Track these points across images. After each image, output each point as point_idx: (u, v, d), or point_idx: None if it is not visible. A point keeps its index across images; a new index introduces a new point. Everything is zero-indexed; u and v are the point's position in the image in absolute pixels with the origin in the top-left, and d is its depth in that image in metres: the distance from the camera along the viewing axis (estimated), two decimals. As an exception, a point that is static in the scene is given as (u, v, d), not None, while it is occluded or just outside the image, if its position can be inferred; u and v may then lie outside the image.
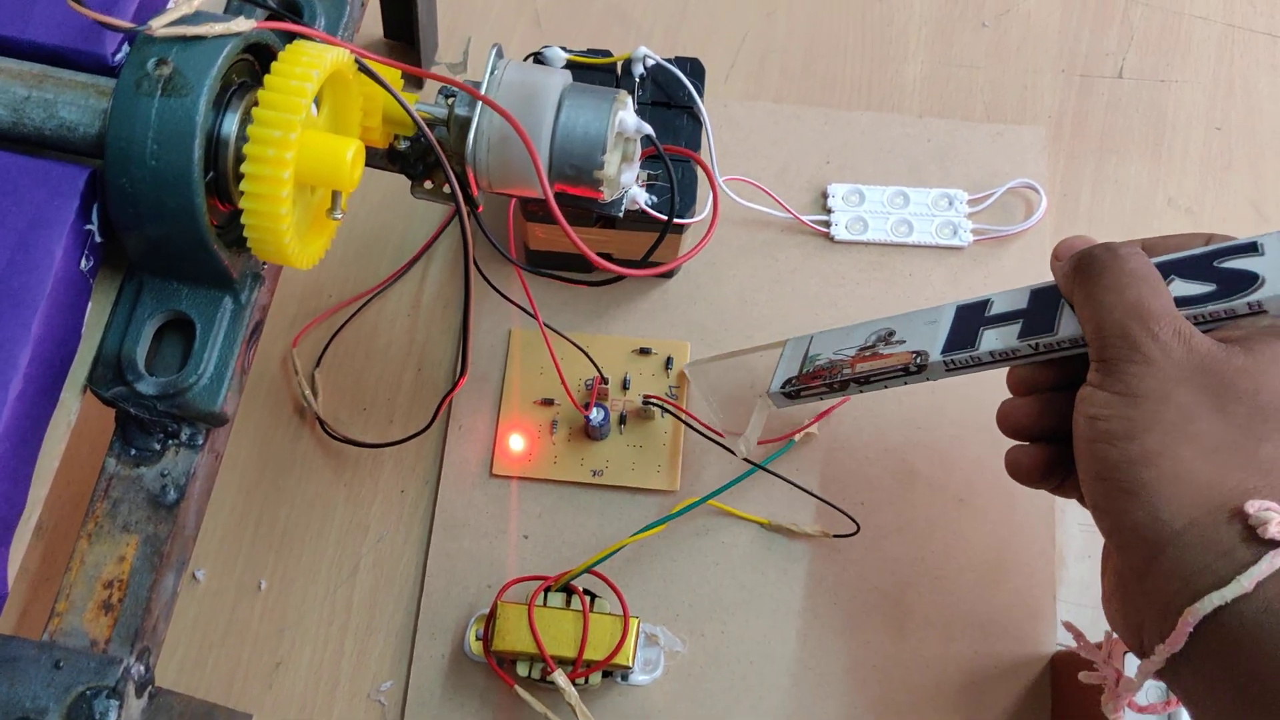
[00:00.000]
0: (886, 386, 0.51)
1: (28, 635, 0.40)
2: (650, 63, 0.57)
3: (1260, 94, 0.69)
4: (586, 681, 0.52)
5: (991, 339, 0.47)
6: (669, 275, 0.62)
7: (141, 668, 0.40)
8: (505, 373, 0.60)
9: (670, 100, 0.58)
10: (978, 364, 0.48)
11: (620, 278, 0.46)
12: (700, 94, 0.57)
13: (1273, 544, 0.37)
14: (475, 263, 0.57)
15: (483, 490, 0.59)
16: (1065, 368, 0.47)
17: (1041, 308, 0.47)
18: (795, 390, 0.53)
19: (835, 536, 0.57)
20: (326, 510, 0.58)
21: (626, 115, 0.44)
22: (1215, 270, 0.43)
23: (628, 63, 0.57)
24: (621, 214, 0.48)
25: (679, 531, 0.57)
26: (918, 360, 0.49)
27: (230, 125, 0.39)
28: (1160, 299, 0.42)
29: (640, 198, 0.51)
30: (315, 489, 0.59)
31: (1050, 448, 0.48)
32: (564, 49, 0.57)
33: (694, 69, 0.58)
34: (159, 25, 0.37)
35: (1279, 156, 0.67)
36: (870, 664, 0.56)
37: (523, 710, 0.54)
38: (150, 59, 0.37)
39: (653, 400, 0.58)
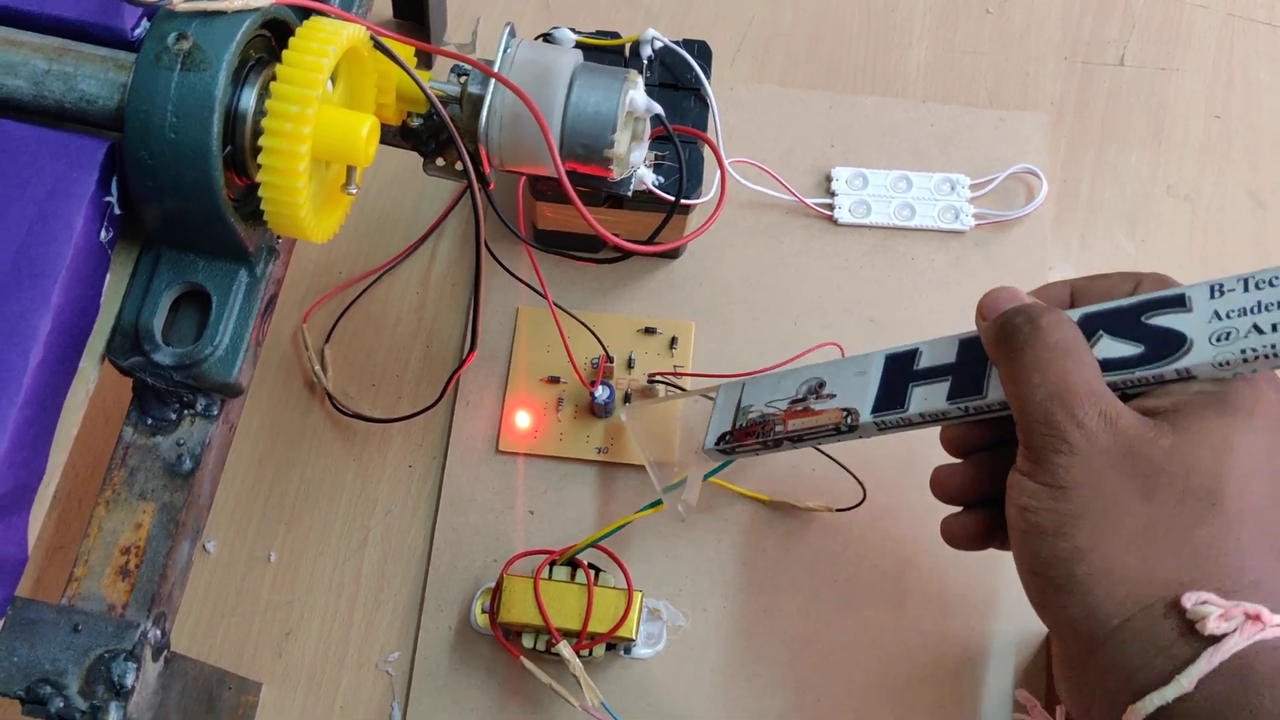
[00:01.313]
0: (820, 444, 0.50)
1: (44, 600, 0.41)
2: (658, 45, 0.58)
3: (1260, 84, 0.69)
4: (590, 654, 0.53)
5: (920, 399, 0.46)
6: (674, 255, 0.63)
7: (158, 632, 0.41)
8: (512, 350, 0.61)
9: (678, 82, 0.58)
10: (909, 424, 0.47)
11: (627, 255, 0.47)
12: (707, 76, 0.58)
13: (1211, 639, 0.37)
14: (485, 241, 0.58)
15: (489, 466, 0.59)
16: (998, 426, 0.46)
17: (970, 363, 0.46)
18: (730, 447, 0.52)
19: (839, 510, 0.58)
20: (335, 484, 0.59)
21: (637, 95, 0.45)
22: (1143, 327, 0.41)
23: (636, 45, 0.58)
24: (630, 193, 0.49)
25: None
26: (849, 420, 0.48)
27: (248, 100, 0.40)
28: (1084, 374, 0.40)
29: (647, 178, 0.52)
30: (325, 463, 0.60)
31: (986, 514, 0.47)
32: (573, 30, 0.58)
33: (701, 51, 0.59)
34: (179, 0, 0.38)
35: (1277, 146, 0.68)
36: (870, 640, 0.57)
37: (528, 681, 0.55)
38: (170, 33, 0.38)
39: (658, 378, 0.59)
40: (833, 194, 0.65)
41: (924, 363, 0.47)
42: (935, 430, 0.53)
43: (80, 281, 0.40)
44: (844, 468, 0.58)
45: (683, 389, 0.59)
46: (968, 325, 0.62)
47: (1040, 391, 0.40)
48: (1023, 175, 0.66)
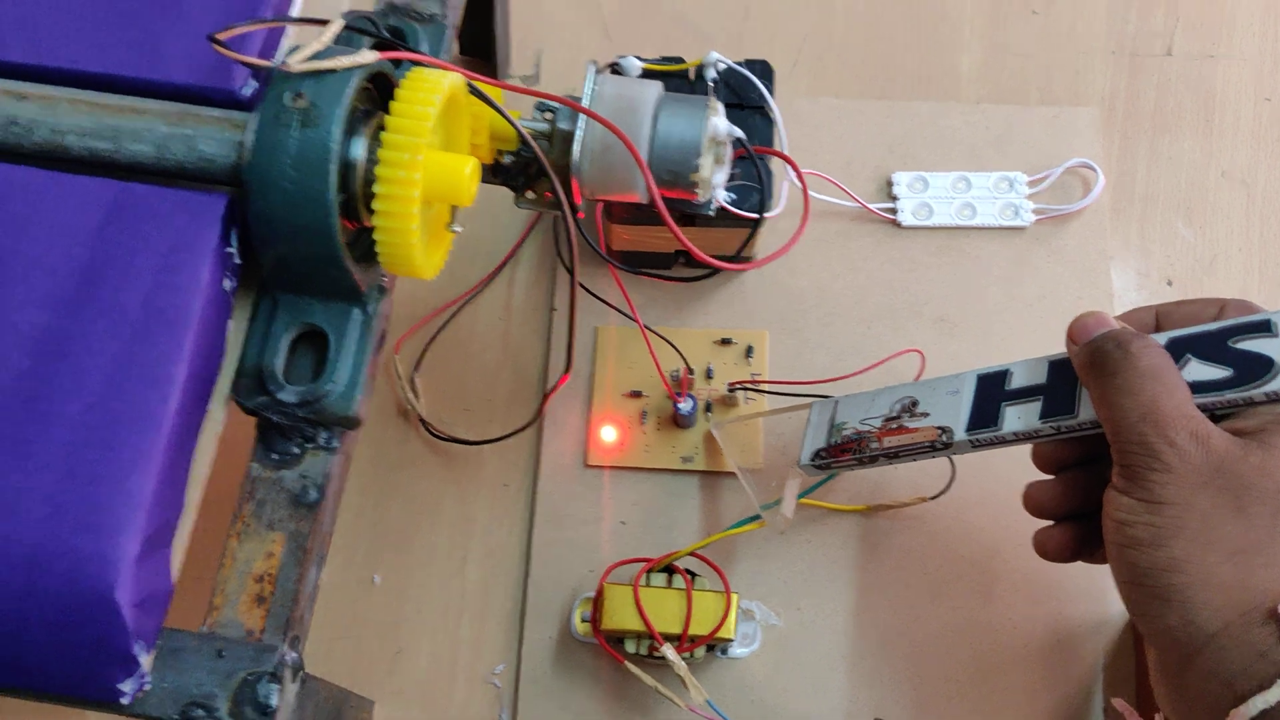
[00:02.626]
0: (915, 460, 0.52)
1: (179, 628, 0.43)
2: (722, 67, 0.60)
3: (1307, 65, 0.71)
4: (691, 655, 0.56)
5: (1013, 418, 0.48)
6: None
7: (294, 654, 0.44)
8: (595, 367, 0.63)
9: (742, 101, 0.60)
10: (1002, 442, 0.49)
11: (715, 272, 0.49)
12: (771, 93, 0.60)
13: None
14: (566, 264, 0.61)
15: (579, 480, 0.62)
16: (1088, 444, 0.48)
17: (1061, 383, 0.48)
18: (825, 463, 0.55)
19: (931, 499, 0.60)
20: (435, 505, 0.62)
21: (719, 121, 0.47)
22: (1230, 351, 0.43)
23: (700, 68, 0.60)
24: (713, 213, 0.51)
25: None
26: (943, 438, 0.50)
27: (358, 150, 0.42)
28: (1174, 398, 0.43)
29: (720, 195, 0.54)
30: (423, 486, 0.62)
31: (1076, 527, 0.50)
32: (639, 58, 0.60)
33: (763, 70, 0.61)
34: (295, 62, 0.40)
35: (1329, 124, 0.69)
36: (959, 628, 0.59)
37: (631, 685, 0.57)
38: (287, 93, 0.41)
39: (738, 387, 0.61)
40: (895, 198, 0.67)
41: (1015, 383, 0.49)
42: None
43: (208, 328, 0.43)
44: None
45: (768, 392, 0.61)
46: (1033, 319, 0.64)
47: (1133, 414, 0.42)
48: (1078, 169, 0.67)
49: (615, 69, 0.59)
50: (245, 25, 0.43)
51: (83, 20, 0.45)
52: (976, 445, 0.50)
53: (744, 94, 0.60)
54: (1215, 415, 0.44)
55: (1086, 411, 0.46)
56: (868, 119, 0.69)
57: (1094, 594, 0.59)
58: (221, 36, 0.41)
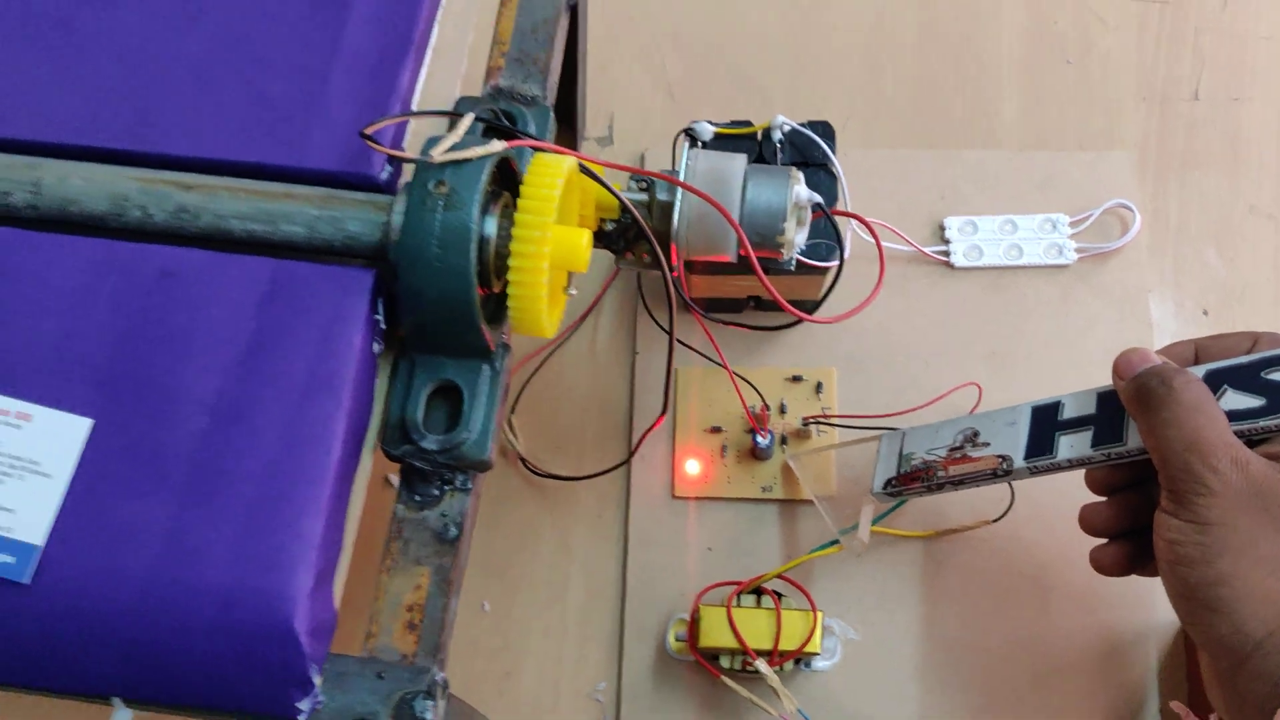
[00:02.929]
0: (978, 486, 0.57)
1: (339, 653, 0.49)
2: (787, 128, 0.66)
3: (1326, 105, 0.76)
4: (780, 669, 0.61)
5: (1067, 447, 0.54)
6: (812, 310, 0.71)
7: (443, 674, 0.49)
8: (677, 406, 0.69)
9: (806, 160, 0.66)
10: (1057, 469, 0.54)
11: (798, 322, 0.55)
12: (833, 151, 0.66)
13: None
14: (651, 313, 0.66)
15: (667, 510, 0.67)
16: (1137, 469, 0.54)
17: (1109, 413, 0.53)
18: (896, 490, 0.60)
19: (993, 521, 0.65)
20: (536, 536, 0.67)
21: (800, 189, 0.52)
22: (1263, 381, 0.48)
23: (767, 130, 0.66)
24: (793, 268, 0.57)
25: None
26: (1004, 465, 0.56)
27: (490, 227, 0.48)
28: (1215, 428, 0.47)
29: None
30: (524, 519, 0.68)
31: (1129, 543, 0.55)
32: (710, 123, 0.65)
33: (825, 131, 0.66)
34: (437, 153, 0.46)
35: (1348, 160, 0.75)
36: (1019, 639, 0.64)
37: (724, 698, 0.62)
38: (430, 180, 0.46)
39: (811, 421, 0.67)
40: (947, 241, 0.72)
41: (1067, 414, 0.54)
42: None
43: (361, 389, 0.48)
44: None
45: (839, 425, 0.67)
46: (1080, 351, 0.69)
47: (1178, 444, 0.47)
48: (1116, 209, 0.73)
49: (689, 134, 0.65)
50: (387, 120, 0.49)
51: (237, 116, 0.51)
52: (1034, 472, 0.55)
53: (808, 153, 0.66)
54: (1251, 441, 0.49)
55: (1134, 439, 0.51)
56: (919, 168, 0.75)
57: (1143, 604, 0.64)
58: (368, 131, 0.47)
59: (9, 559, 0.44)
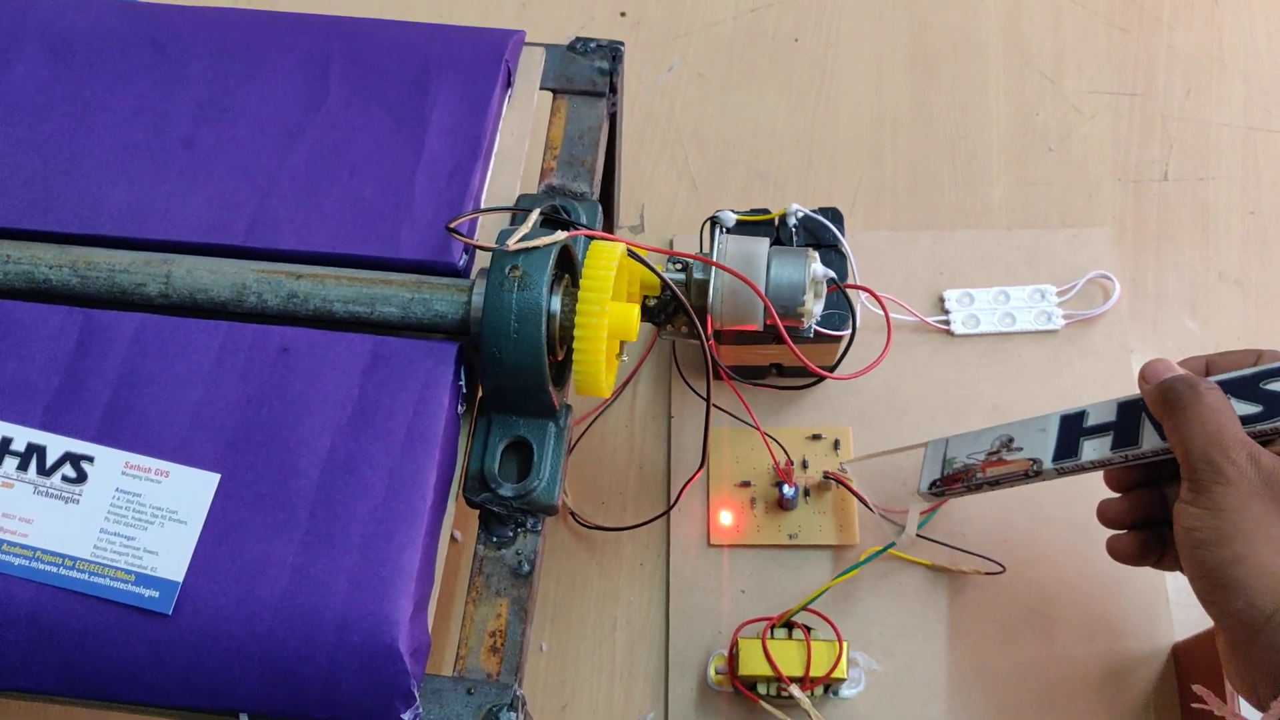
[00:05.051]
0: (1012, 486, 0.65)
1: (433, 673, 0.56)
2: (800, 215, 0.74)
3: (1283, 182, 0.85)
4: (811, 695, 0.68)
5: (1090, 450, 0.61)
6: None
7: (522, 691, 0.57)
8: (710, 462, 0.77)
9: (819, 241, 0.74)
10: (1081, 470, 0.62)
11: (820, 380, 0.63)
12: (842, 234, 0.74)
13: None
14: (686, 380, 0.74)
15: (704, 557, 0.75)
16: (1149, 469, 0.62)
17: (1127, 421, 0.60)
18: (940, 490, 0.68)
19: (986, 574, 0.73)
20: (584, 583, 0.75)
21: (817, 266, 0.61)
22: (1261, 391, 0.56)
23: (784, 216, 0.74)
24: (811, 335, 0.65)
25: (866, 575, 0.73)
26: (1034, 467, 0.63)
27: (555, 304, 0.56)
28: (1233, 427, 0.54)
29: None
30: (573, 567, 0.75)
31: (1143, 533, 0.63)
32: (733, 211, 0.74)
33: (834, 216, 0.75)
34: (512, 243, 0.54)
35: (1305, 230, 0.83)
36: (1027, 665, 0.71)
37: (761, 723, 0.69)
38: (506, 265, 0.55)
39: (831, 475, 0.75)
40: (947, 311, 0.80)
41: (1091, 421, 0.62)
42: (1062, 495, 0.67)
43: (449, 444, 0.56)
44: (984, 557, 0.73)
45: (854, 492, 0.75)
46: (1069, 405, 0.77)
47: (1200, 439, 0.54)
48: (1098, 280, 0.81)
49: (714, 221, 0.74)
50: (466, 215, 0.58)
51: (337, 216, 0.59)
52: (1061, 473, 0.63)
53: (820, 235, 0.75)
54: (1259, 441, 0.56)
55: (1149, 442, 0.59)
56: (919, 246, 0.83)
57: (1139, 631, 0.72)
58: (452, 224, 0.56)
59: (154, 593, 0.52)
